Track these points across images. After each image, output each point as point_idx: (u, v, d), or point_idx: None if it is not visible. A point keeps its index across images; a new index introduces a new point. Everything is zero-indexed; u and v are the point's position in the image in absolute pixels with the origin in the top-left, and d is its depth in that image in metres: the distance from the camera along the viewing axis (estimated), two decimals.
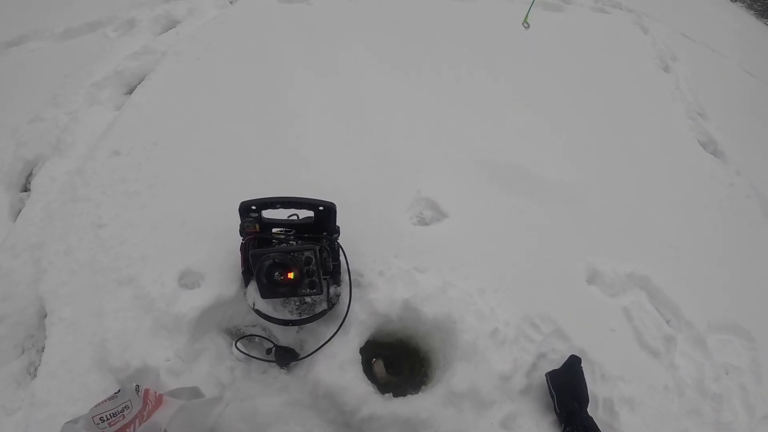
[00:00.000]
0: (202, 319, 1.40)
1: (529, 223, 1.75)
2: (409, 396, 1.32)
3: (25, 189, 1.83)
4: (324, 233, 1.36)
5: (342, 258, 1.43)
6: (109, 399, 1.09)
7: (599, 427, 1.37)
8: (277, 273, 1.27)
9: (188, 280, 1.47)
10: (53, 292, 1.48)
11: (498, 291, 1.54)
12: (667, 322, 1.75)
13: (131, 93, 2.02)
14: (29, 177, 1.86)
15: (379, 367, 1.44)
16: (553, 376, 1.39)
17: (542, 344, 1.49)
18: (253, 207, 1.30)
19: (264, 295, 1.33)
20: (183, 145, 1.75)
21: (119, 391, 1.11)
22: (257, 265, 1.27)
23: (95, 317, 1.41)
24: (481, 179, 1.85)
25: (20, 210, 1.72)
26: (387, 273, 1.49)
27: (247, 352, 1.37)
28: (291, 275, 1.26)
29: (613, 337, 1.57)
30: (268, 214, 1.33)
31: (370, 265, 1.50)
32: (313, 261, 1.27)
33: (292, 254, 1.27)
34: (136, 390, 1.10)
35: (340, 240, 1.40)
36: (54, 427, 1.10)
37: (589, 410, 1.40)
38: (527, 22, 1.91)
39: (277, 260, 1.26)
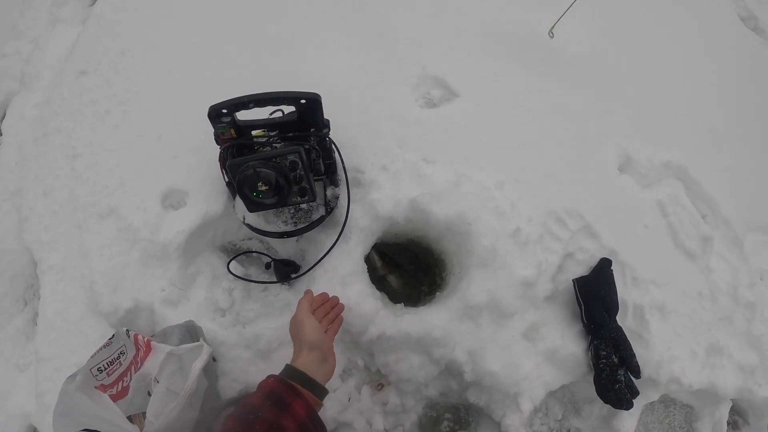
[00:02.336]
0: (192, 242, 1.21)
1: (553, 103, 1.41)
2: (421, 308, 1.13)
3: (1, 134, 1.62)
4: (312, 129, 1.10)
5: (336, 156, 1.18)
6: (104, 347, 1.00)
7: (628, 336, 1.18)
8: (260, 183, 1.04)
9: (172, 200, 1.26)
10: (37, 240, 1.33)
11: (519, 182, 1.26)
12: (703, 217, 1.49)
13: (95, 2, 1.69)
14: (3, 120, 1.64)
15: (393, 280, 1.26)
16: (581, 284, 1.17)
17: (569, 243, 1.24)
18: (224, 110, 1.04)
19: (251, 209, 1.11)
20: (152, 50, 1.45)
21: (113, 336, 1.01)
22: (236, 177, 1.03)
23: (82, 258, 1.26)
24: (495, 52, 1.47)
25: None
26: (391, 167, 1.21)
27: (242, 276, 1.19)
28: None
29: (646, 235, 1.32)
30: (244, 115, 1.08)
31: (371, 159, 1.22)
32: (300, 165, 1.03)
33: (274, 160, 1.02)
34: (126, 334, 1.01)
35: (333, 134, 1.14)
36: (60, 381, 0.99)
37: (618, 317, 1.20)
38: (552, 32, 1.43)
39: (258, 169, 1.02)
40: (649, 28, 1.70)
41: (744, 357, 1.40)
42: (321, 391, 0.85)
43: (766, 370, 1.44)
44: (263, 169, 1.02)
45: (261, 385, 0.81)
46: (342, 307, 1.07)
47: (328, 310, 1.04)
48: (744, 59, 1.89)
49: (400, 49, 1.41)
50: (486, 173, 1.23)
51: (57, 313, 1.25)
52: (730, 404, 1.44)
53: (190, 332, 1.10)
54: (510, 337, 1.11)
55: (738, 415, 1.55)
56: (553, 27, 1.40)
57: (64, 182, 1.35)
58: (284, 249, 1.24)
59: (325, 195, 1.17)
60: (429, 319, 1.06)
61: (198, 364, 0.94)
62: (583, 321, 1.17)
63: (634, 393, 1.16)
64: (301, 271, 1.15)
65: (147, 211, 1.23)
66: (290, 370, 0.85)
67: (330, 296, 1.07)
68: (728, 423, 1.48)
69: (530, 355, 1.13)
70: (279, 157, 1.02)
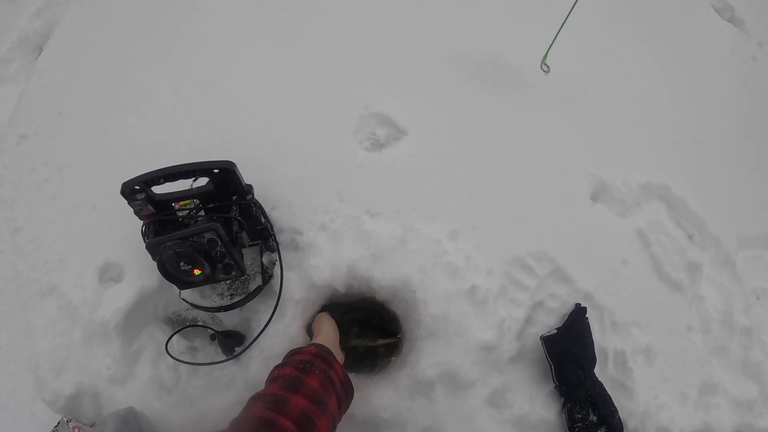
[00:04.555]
0: (131, 319, 1.09)
1: (513, 132, 1.22)
2: (368, 382, 0.98)
3: None
4: (234, 197, 0.96)
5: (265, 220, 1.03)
6: None
7: (609, 389, 1.01)
8: (182, 263, 0.91)
9: (111, 273, 1.14)
10: None
11: (476, 228, 1.08)
12: (690, 237, 1.30)
13: None
14: None
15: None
16: (549, 343, 1.00)
17: (537, 291, 1.07)
18: (137, 187, 0.91)
19: (181, 287, 0.99)
20: (89, 110, 1.32)
21: (59, 423, 0.95)
22: (157, 259, 0.90)
23: (27, 338, 1.14)
24: (447, 80, 1.27)
25: None
26: (330, 225, 1.04)
27: (181, 360, 1.05)
28: (197, 271, 0.90)
29: (626, 271, 1.14)
30: (162, 188, 0.94)
31: (308, 218, 1.06)
32: (218, 242, 0.89)
33: (191, 239, 0.89)
34: (66, 424, 0.94)
35: (266, 193, 1.01)
36: None
37: (597, 368, 1.04)
38: (546, 64, 1.20)
39: (177, 250, 0.89)
40: (614, 34, 1.48)
41: (741, 390, 1.22)
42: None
43: (766, 400, 1.26)
44: (182, 250, 0.89)
45: (303, 349, 0.84)
46: None
47: None
48: (722, 56, 1.65)
49: (341, 87, 1.23)
50: (436, 223, 1.06)
51: (9, 395, 1.18)
52: None
53: (127, 422, 0.98)
54: (471, 408, 0.95)
55: None
56: (544, 58, 1.20)
57: (8, 258, 1.23)
58: (229, 319, 1.10)
59: (262, 263, 1.02)
60: (374, 400, 0.92)
61: None
62: (554, 381, 1.01)
63: None
64: (239, 350, 1.01)
65: (85, 289, 1.11)
66: (319, 345, 0.87)
67: None
68: None
69: (495, 424, 0.97)
70: (196, 236, 0.89)
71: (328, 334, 0.93)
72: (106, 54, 1.43)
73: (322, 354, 0.82)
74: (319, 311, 1.04)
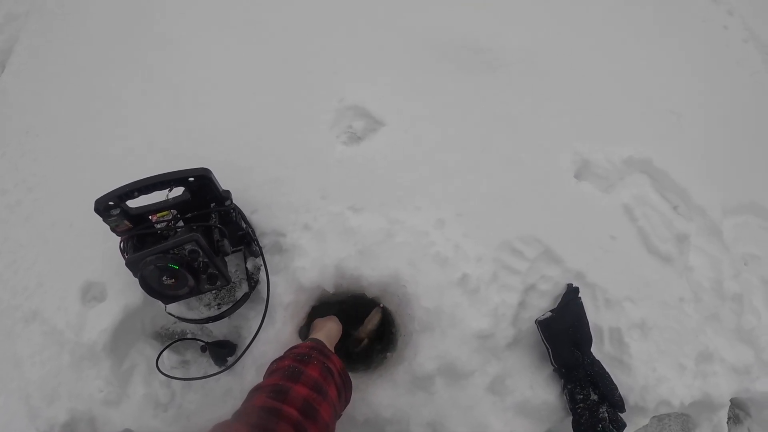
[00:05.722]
0: (119, 337, 1.05)
1: (492, 114, 1.19)
2: (367, 381, 0.95)
3: None
4: (212, 204, 0.91)
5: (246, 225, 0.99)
6: None
7: (607, 367, 1.00)
8: (164, 278, 0.87)
9: (94, 293, 1.09)
10: None
11: (462, 215, 1.05)
12: (675, 208, 1.28)
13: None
14: None
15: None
16: (544, 326, 0.98)
17: (528, 274, 1.05)
18: (111, 203, 0.86)
19: (166, 302, 0.94)
20: (56, 124, 1.26)
21: None
22: (138, 276, 0.86)
23: (16, 368, 1.10)
24: (422, 65, 1.23)
25: None
26: (314, 224, 1.00)
27: (174, 376, 1.01)
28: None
29: (614, 248, 1.12)
30: (137, 201, 0.89)
31: (291, 218, 1.02)
32: (200, 253, 0.85)
33: (171, 251, 0.84)
34: None
35: (246, 196, 0.98)
36: None
37: (594, 347, 1.02)
38: None
39: (158, 264, 0.84)
40: (586, 9, 1.45)
41: (737, 356, 1.22)
42: None
43: (762, 363, 1.26)
44: (163, 264, 0.84)
45: (300, 344, 0.84)
46: None
47: None
48: (695, 25, 1.63)
49: (313, 81, 1.18)
50: (423, 213, 1.03)
51: (4, 428, 1.11)
52: (728, 404, 1.27)
53: None
54: (472, 398, 0.93)
55: (739, 408, 1.38)
56: None
57: None
58: (219, 329, 1.06)
59: (246, 269, 0.98)
60: (375, 399, 0.89)
61: None
62: (552, 364, 0.99)
63: (621, 427, 0.99)
64: (231, 361, 0.98)
65: (68, 311, 1.06)
66: (315, 339, 0.87)
67: None
68: (729, 418, 1.31)
69: (498, 411, 0.95)
70: (177, 248, 0.84)
71: (330, 332, 0.92)
72: (69, 65, 1.37)
73: (318, 347, 0.83)
74: (310, 312, 1.00)
